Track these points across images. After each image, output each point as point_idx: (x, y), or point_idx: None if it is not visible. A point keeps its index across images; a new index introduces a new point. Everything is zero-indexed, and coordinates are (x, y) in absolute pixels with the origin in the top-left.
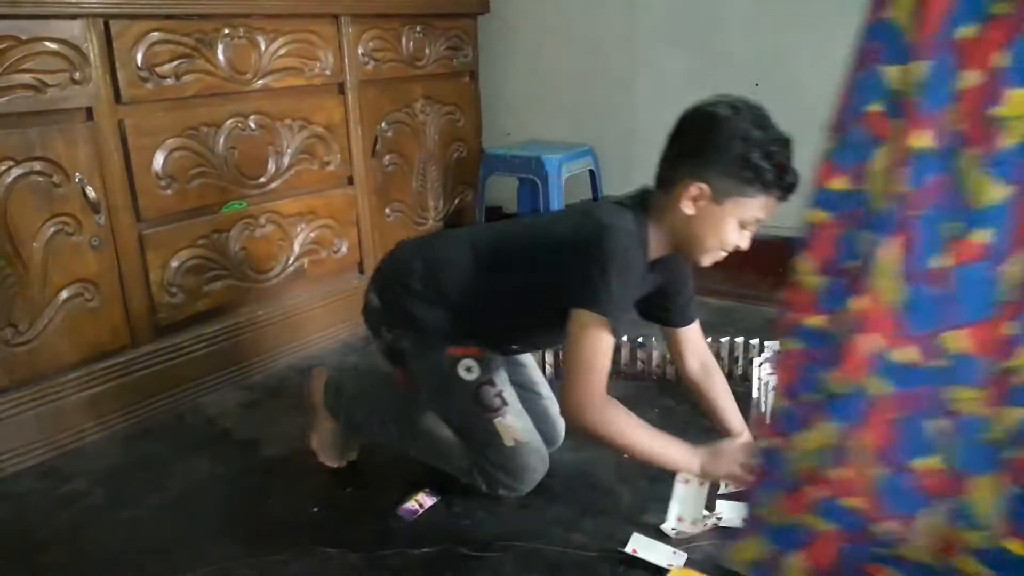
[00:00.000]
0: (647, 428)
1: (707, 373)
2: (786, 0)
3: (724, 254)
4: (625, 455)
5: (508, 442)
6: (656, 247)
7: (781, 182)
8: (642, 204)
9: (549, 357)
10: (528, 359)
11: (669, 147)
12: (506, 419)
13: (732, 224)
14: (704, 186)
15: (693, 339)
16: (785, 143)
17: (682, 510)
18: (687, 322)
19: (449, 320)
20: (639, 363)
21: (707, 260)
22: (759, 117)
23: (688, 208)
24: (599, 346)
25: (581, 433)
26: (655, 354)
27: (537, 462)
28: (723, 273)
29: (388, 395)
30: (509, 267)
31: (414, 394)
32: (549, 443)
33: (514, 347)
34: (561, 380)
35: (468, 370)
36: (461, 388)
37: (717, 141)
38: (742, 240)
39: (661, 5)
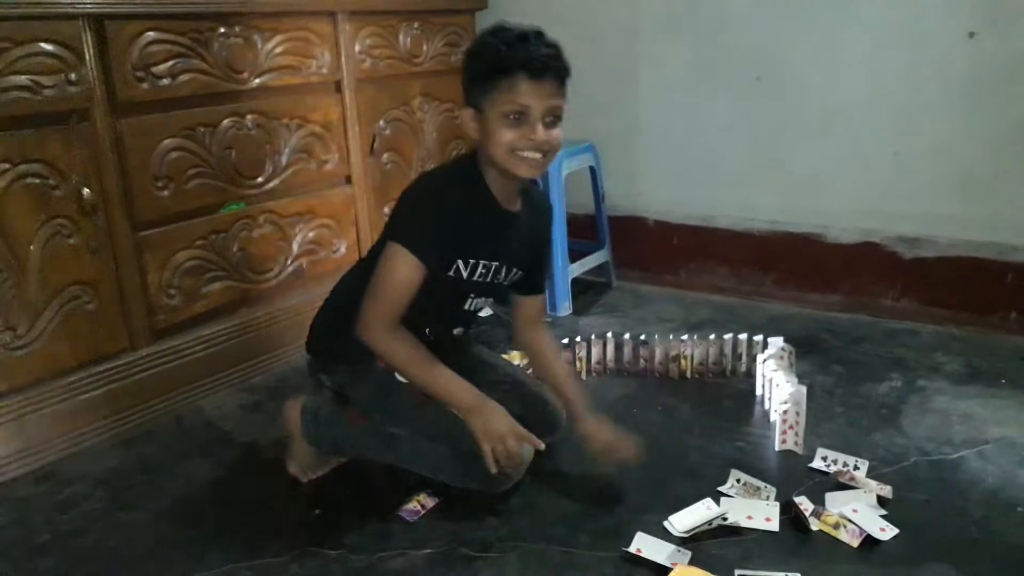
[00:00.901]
0: (432, 363)
1: (538, 337)
2: None
3: (534, 155)
4: (408, 378)
5: None
6: (499, 185)
7: (512, 57)
8: (476, 154)
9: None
10: (494, 357)
11: None
12: None
13: (497, 122)
14: (469, 108)
15: (538, 307)
16: (518, 32)
17: (692, 516)
18: (539, 291)
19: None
20: (641, 361)
21: (521, 169)
22: (498, 27)
23: (473, 132)
24: (396, 274)
25: (372, 348)
26: (657, 352)
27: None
28: (727, 269)
29: None
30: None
31: (371, 423)
32: (547, 428)
33: (427, 331)
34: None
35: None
36: (405, 392)
37: (464, 63)
38: (529, 132)
39: (661, 0)
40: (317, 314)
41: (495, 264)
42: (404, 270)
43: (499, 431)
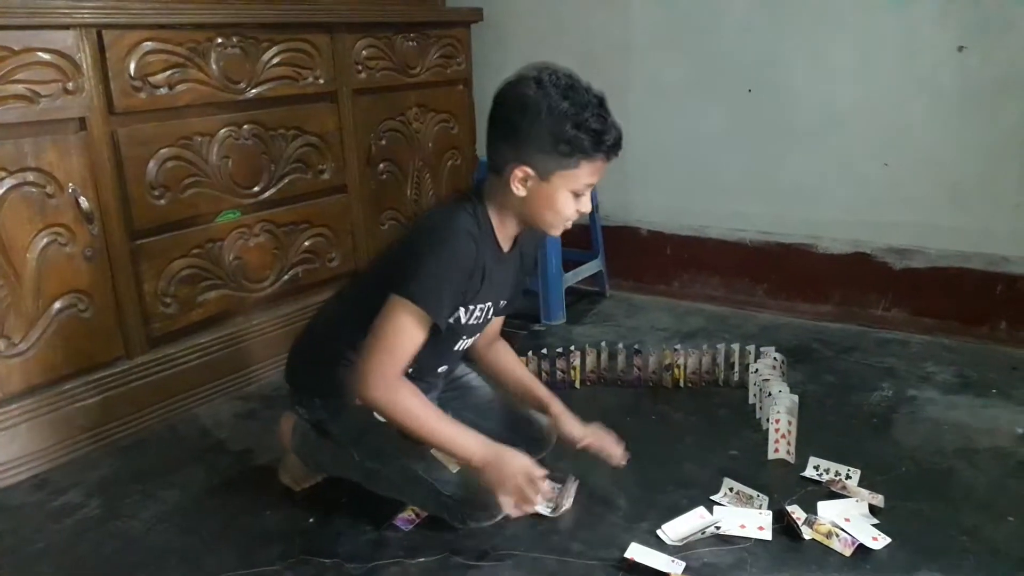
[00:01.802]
0: (439, 415)
1: (498, 350)
2: (779, 8)
3: (570, 223)
4: (413, 437)
5: (453, 467)
6: (503, 229)
7: (600, 146)
8: (479, 193)
9: (547, 364)
10: (476, 379)
11: (490, 130)
12: None
13: (564, 197)
14: (527, 168)
15: (499, 326)
16: (596, 107)
17: (685, 525)
18: (505, 313)
19: (343, 372)
20: (635, 370)
21: (555, 231)
22: (566, 87)
23: (519, 191)
24: (399, 328)
25: (372, 408)
26: (650, 361)
27: None
28: (719, 279)
29: None
30: (368, 298)
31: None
32: (535, 446)
33: (410, 370)
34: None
35: None
36: (383, 433)
37: (529, 122)
38: (581, 206)
39: (655, 13)
40: (295, 344)
41: (489, 304)
42: (411, 326)
43: (513, 479)
